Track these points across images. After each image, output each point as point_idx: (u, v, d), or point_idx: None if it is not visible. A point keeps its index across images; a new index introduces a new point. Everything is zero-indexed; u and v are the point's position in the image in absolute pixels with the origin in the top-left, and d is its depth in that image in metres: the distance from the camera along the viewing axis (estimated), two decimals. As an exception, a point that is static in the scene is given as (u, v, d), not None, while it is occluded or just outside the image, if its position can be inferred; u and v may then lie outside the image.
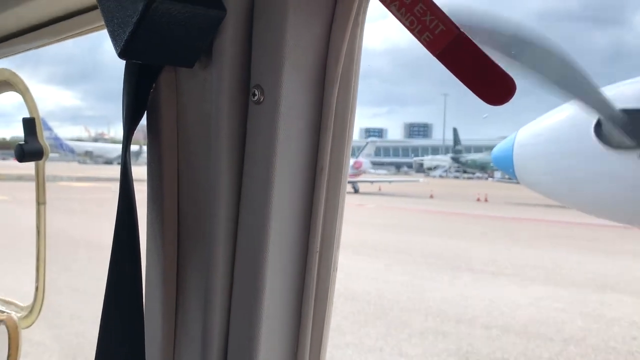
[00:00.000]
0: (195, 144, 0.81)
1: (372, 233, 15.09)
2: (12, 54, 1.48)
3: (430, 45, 0.62)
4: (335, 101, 0.75)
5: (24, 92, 1.48)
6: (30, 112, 1.46)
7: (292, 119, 0.72)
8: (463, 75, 0.62)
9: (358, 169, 32.87)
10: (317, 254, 0.78)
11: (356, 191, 29.29)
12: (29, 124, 1.41)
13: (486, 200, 26.45)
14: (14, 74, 1.51)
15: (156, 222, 0.83)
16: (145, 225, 0.83)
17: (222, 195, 0.75)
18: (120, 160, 0.80)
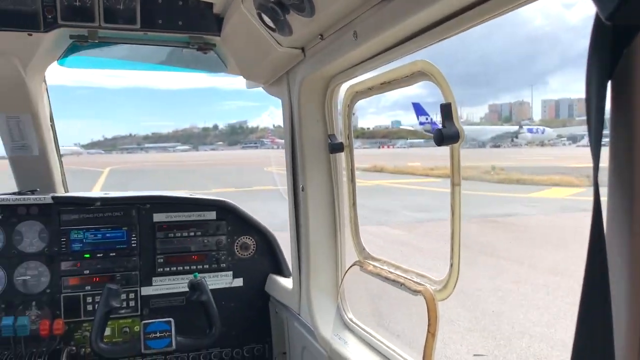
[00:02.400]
0: None
1: None
2: (426, 46, 1.58)
3: None
4: None
5: (440, 80, 1.55)
6: (445, 98, 1.52)
7: None
8: None
9: None
10: None
11: None
12: (447, 110, 1.48)
13: None
14: (429, 63, 1.60)
15: (619, 213, 0.72)
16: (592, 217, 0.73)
17: None
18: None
